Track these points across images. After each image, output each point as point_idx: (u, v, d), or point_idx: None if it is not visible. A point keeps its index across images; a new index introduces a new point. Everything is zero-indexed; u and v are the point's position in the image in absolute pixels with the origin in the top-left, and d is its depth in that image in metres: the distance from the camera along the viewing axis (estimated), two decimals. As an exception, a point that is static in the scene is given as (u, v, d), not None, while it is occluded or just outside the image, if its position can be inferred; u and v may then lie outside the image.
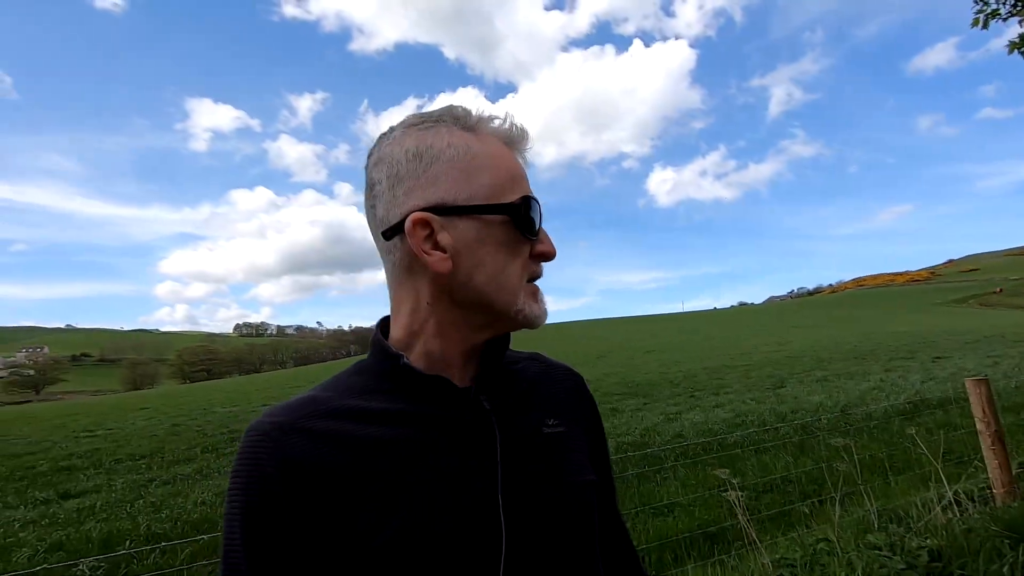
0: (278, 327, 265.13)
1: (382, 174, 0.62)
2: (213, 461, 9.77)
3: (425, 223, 0.59)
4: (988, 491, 3.70)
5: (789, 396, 11.20)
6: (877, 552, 2.65)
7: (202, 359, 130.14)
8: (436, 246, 0.59)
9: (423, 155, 0.61)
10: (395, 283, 0.65)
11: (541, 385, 0.71)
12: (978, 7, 5.81)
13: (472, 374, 0.65)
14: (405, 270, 0.62)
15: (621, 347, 36.65)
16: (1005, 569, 2.65)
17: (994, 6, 5.84)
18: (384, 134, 0.65)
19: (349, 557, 0.54)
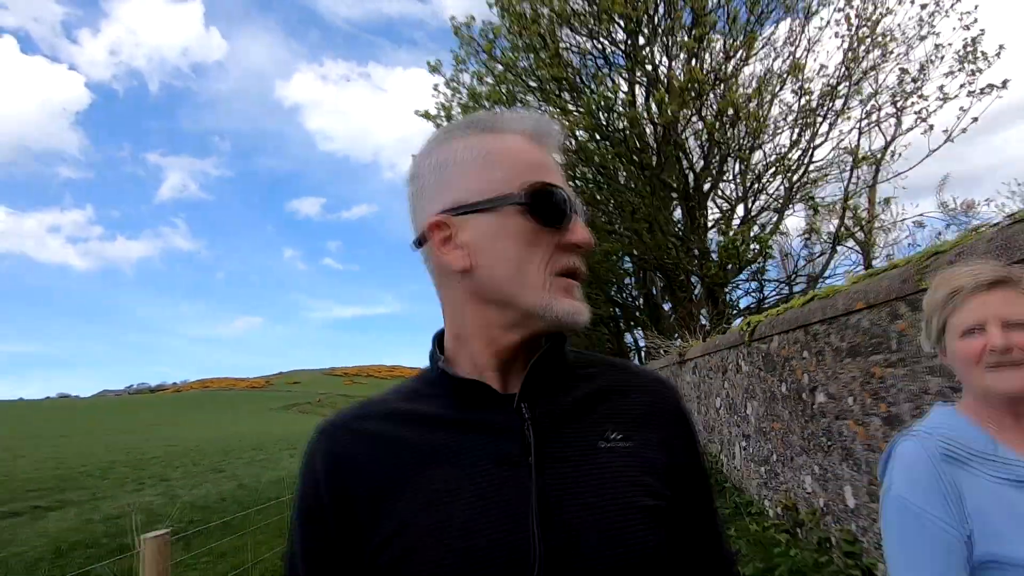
0: None
1: (412, 190, 0.65)
2: None
3: (442, 225, 0.60)
4: None
5: (242, 476, 14.04)
6: None
7: None
8: (456, 247, 0.60)
9: (442, 164, 0.62)
10: (438, 292, 0.65)
11: (612, 395, 0.65)
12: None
13: (522, 379, 0.61)
14: (439, 276, 0.64)
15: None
16: None
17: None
18: (414, 155, 0.66)
19: (371, 558, 0.56)
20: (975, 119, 10.13)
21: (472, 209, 0.59)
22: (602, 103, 9.10)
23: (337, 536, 0.58)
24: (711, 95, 9.33)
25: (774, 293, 12.19)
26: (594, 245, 0.62)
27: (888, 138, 10.76)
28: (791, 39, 10.17)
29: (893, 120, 10.45)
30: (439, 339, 0.67)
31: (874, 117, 10.67)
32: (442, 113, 10.35)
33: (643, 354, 15.35)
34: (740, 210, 11.46)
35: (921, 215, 12.24)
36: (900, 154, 10.94)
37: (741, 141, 9.75)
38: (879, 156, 10.83)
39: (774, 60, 10.07)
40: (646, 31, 9.80)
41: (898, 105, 10.29)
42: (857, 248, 12.88)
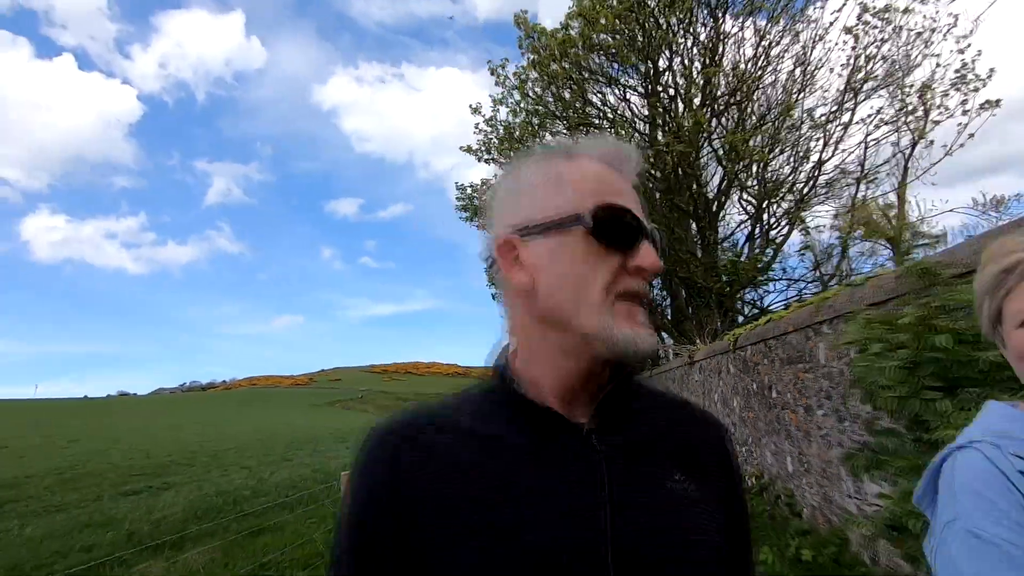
0: None
1: (490, 210, 0.66)
2: None
3: (509, 244, 0.60)
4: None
5: (310, 464, 15.88)
6: None
7: None
8: (520, 266, 0.60)
9: (514, 186, 0.63)
10: (506, 312, 0.65)
11: (675, 434, 0.65)
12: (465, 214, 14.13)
13: (591, 410, 0.60)
14: (508, 296, 0.63)
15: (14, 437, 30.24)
16: None
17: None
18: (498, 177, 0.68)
19: None
20: (972, 135, 11.07)
21: (538, 229, 0.58)
22: (623, 134, 10.40)
23: (393, 555, 0.55)
24: (719, 126, 10.54)
25: (807, 292, 13.32)
26: (662, 269, 0.60)
27: (915, 137, 11.72)
28: (802, 59, 11.28)
29: (920, 121, 11.43)
30: (507, 354, 0.65)
31: (881, 131, 11.69)
32: (483, 148, 11.88)
33: (671, 354, 16.68)
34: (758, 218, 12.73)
35: (951, 210, 13.30)
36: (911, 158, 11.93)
37: (743, 171, 10.95)
38: (906, 156, 11.86)
39: (789, 72, 11.21)
40: (667, 53, 11.09)
41: (926, 104, 11.23)
42: (888, 244, 13.86)
